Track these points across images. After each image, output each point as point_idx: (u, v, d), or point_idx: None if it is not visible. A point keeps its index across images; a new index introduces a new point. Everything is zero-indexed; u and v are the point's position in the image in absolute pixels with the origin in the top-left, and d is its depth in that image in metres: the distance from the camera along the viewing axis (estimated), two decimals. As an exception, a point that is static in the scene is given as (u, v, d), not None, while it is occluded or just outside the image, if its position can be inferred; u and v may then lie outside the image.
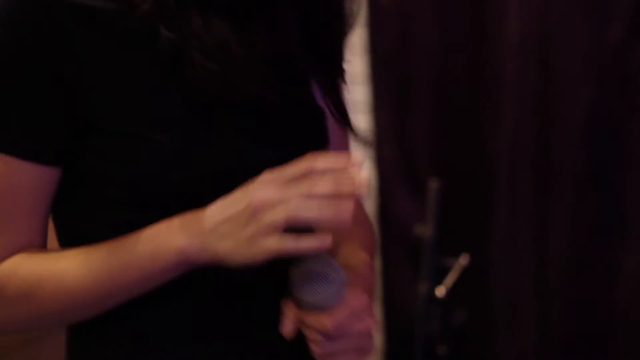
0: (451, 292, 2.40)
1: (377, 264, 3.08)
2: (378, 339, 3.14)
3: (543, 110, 2.76)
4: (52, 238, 1.20)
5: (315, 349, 1.17)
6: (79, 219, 1.18)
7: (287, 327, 1.16)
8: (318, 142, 1.28)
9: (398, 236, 2.95)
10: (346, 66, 1.31)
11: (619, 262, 2.75)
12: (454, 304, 2.51)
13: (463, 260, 2.40)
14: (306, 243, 1.07)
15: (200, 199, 1.12)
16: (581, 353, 2.81)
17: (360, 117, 3.07)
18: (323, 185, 1.06)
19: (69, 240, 1.19)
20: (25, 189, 1.13)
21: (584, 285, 2.78)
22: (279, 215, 1.05)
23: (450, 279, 2.39)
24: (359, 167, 1.10)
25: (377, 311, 3.12)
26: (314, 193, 1.06)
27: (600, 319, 2.79)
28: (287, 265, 1.16)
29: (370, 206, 3.09)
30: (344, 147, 1.39)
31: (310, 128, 1.27)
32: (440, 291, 2.37)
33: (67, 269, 1.13)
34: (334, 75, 1.27)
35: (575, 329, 2.79)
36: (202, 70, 1.11)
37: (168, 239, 1.10)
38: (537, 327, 2.80)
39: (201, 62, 1.10)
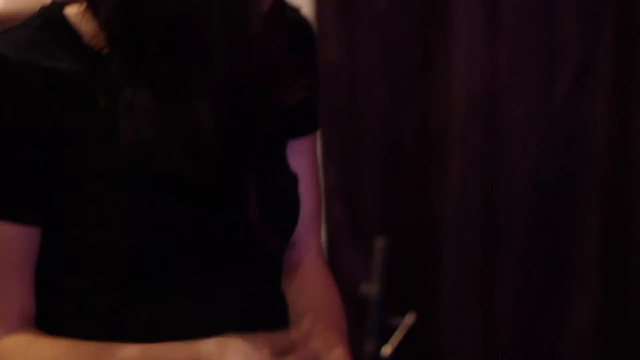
0: (398, 350, 2.40)
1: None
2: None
3: (489, 167, 2.79)
4: None
5: None
6: (44, 280, 1.20)
7: None
8: (282, 209, 1.28)
9: (346, 294, 2.93)
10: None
11: (565, 318, 2.77)
12: (402, 361, 2.51)
13: (409, 318, 2.40)
14: None
15: (156, 258, 1.16)
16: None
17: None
18: None
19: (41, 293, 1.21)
20: (15, 253, 1.17)
21: (532, 341, 2.80)
22: None
23: (396, 337, 2.39)
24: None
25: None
26: None
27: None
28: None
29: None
30: (317, 218, 1.39)
31: (271, 196, 1.26)
32: (387, 350, 2.36)
33: None
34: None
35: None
36: (127, 139, 1.13)
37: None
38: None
39: (127, 130, 1.13)
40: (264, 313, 1.27)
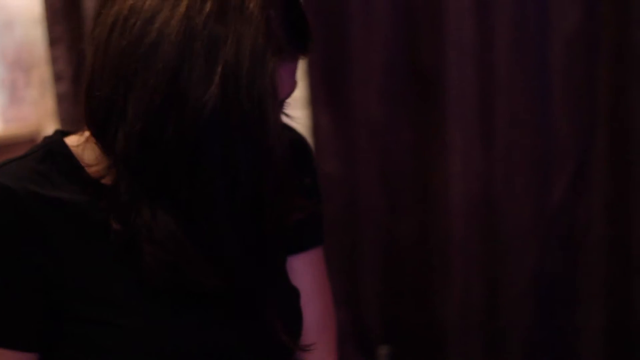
0: None
1: None
2: None
3: (489, 272, 2.80)
4: None
5: None
6: None
7: None
8: (287, 321, 1.29)
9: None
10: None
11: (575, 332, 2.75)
12: None
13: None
14: None
15: None
16: None
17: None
18: None
19: None
20: None
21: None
22: None
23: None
24: None
25: None
26: None
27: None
28: None
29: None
30: (326, 328, 1.41)
31: (279, 308, 1.28)
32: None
33: None
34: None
35: None
36: (152, 259, 1.15)
37: None
38: None
39: (150, 251, 1.15)
40: None
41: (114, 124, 1.14)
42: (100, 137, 1.17)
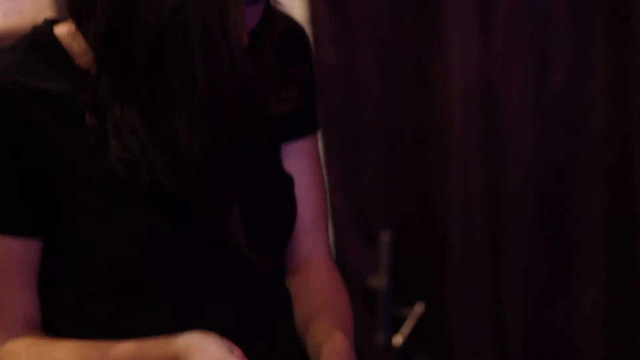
0: (409, 340, 2.43)
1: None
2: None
3: (490, 159, 2.81)
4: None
5: None
6: (48, 287, 1.25)
7: None
8: (279, 214, 1.32)
9: (355, 287, 2.97)
10: None
11: (573, 305, 2.80)
12: (413, 353, 2.53)
13: (418, 308, 2.44)
14: None
15: (138, 272, 1.20)
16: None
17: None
18: None
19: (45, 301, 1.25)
20: (15, 264, 1.21)
21: (540, 328, 2.82)
22: None
23: (406, 327, 2.43)
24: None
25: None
26: None
27: (558, 354, 2.83)
28: None
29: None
30: (320, 216, 1.41)
31: (273, 197, 1.31)
32: (398, 340, 2.40)
33: None
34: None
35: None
36: (115, 157, 1.18)
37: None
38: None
39: (114, 149, 1.18)
40: (263, 318, 1.31)
41: (85, 18, 1.17)
42: (79, 29, 1.20)
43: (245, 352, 1.20)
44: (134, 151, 1.18)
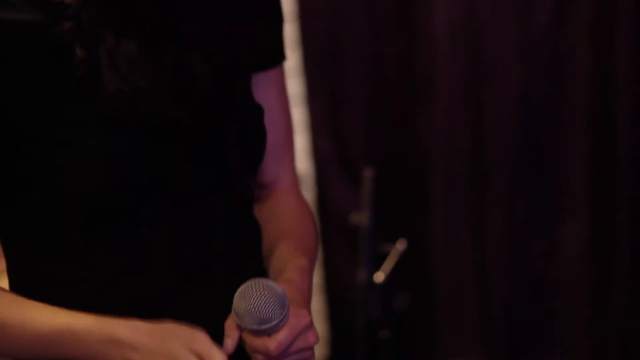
0: (390, 277, 2.43)
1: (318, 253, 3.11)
2: (322, 327, 3.18)
3: (474, 98, 2.80)
4: None
5: None
6: (9, 218, 1.24)
7: (229, 346, 1.18)
8: (252, 138, 1.31)
9: (337, 225, 2.98)
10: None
11: (555, 241, 2.81)
12: (395, 290, 2.54)
13: (400, 245, 2.44)
14: None
15: (116, 202, 1.19)
16: (522, 331, 2.86)
17: (295, 109, 3.09)
18: None
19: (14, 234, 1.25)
20: None
21: (522, 265, 2.83)
22: None
23: (388, 264, 2.43)
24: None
25: (320, 300, 3.15)
26: None
27: (539, 297, 2.84)
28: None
29: (308, 196, 3.13)
30: (287, 145, 1.42)
31: (244, 126, 1.29)
32: (379, 277, 2.40)
33: (24, 326, 1.19)
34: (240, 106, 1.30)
35: (516, 308, 2.84)
36: (111, 87, 1.15)
37: (86, 346, 1.16)
38: (479, 307, 2.85)
39: (110, 79, 1.15)
40: (234, 242, 1.31)
41: None
42: None
43: (213, 280, 1.23)
44: (134, 81, 1.16)
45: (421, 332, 2.92)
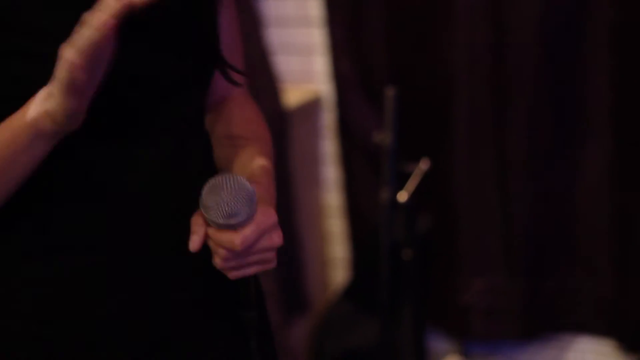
0: (413, 197, 2.42)
1: (340, 175, 3.11)
2: (344, 250, 3.18)
3: (496, 13, 2.76)
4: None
5: (218, 262, 1.21)
6: None
7: (196, 243, 1.19)
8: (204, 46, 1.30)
9: (358, 146, 2.97)
10: None
11: (577, 161, 2.78)
12: (418, 209, 2.53)
13: (423, 164, 2.42)
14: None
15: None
16: (544, 252, 2.86)
17: (315, 31, 3.07)
18: None
19: None
20: None
21: (545, 184, 2.81)
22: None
23: (411, 183, 2.41)
24: None
25: (341, 222, 3.15)
26: None
27: (561, 216, 2.83)
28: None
29: (329, 119, 3.11)
30: (236, 47, 1.41)
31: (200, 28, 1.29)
32: (403, 196, 2.39)
33: None
34: None
35: (538, 227, 2.83)
36: None
37: (20, 116, 1.13)
38: (501, 227, 2.84)
39: None
40: (190, 161, 1.30)
41: None
42: None
43: (173, 197, 1.23)
44: None
45: (443, 253, 2.91)
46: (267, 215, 1.19)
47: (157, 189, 1.24)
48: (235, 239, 1.16)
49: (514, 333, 2.91)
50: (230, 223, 1.17)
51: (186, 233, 1.21)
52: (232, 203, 1.16)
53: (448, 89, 2.83)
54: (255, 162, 1.31)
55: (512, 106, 2.77)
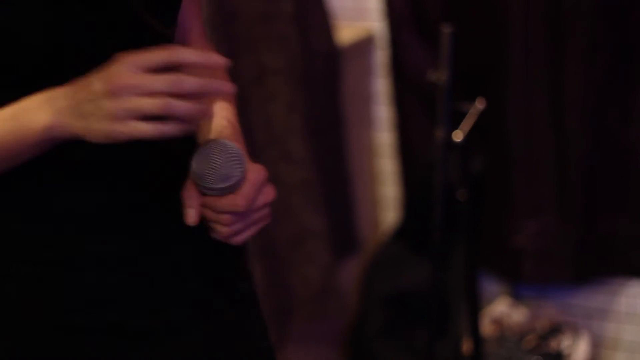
0: (469, 137, 2.39)
1: (392, 115, 3.08)
2: (396, 190, 3.16)
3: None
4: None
5: (222, 230, 1.21)
6: None
7: (192, 215, 1.19)
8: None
9: (411, 85, 2.94)
10: None
11: (634, 102, 2.74)
12: (473, 149, 2.50)
13: (479, 104, 2.39)
14: (168, 129, 1.09)
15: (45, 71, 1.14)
16: (598, 195, 2.82)
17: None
18: (190, 82, 1.08)
19: None
20: None
21: (600, 126, 2.78)
22: (145, 106, 1.07)
23: (467, 123, 2.38)
24: (222, 67, 1.16)
25: (394, 162, 3.13)
26: (181, 88, 1.08)
27: (615, 159, 2.79)
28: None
29: (383, 57, 3.08)
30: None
31: None
32: (458, 136, 2.36)
33: None
34: None
35: (591, 170, 2.79)
36: None
37: (32, 117, 1.11)
38: (555, 169, 2.81)
39: None
40: None
41: None
42: None
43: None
44: None
45: (496, 194, 2.89)
46: (258, 172, 1.20)
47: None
48: (237, 199, 1.17)
49: (565, 276, 2.89)
50: (228, 185, 1.17)
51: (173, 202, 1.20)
52: (226, 166, 1.17)
53: (504, 26, 2.78)
54: (221, 117, 1.28)
55: (569, 45, 2.72)
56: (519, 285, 3.01)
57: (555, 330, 2.91)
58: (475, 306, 2.55)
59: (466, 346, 2.59)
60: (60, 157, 1.17)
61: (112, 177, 1.22)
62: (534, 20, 2.73)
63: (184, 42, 1.40)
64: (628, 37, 2.71)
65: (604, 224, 2.84)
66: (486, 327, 2.94)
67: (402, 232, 3.00)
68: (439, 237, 2.42)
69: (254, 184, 1.19)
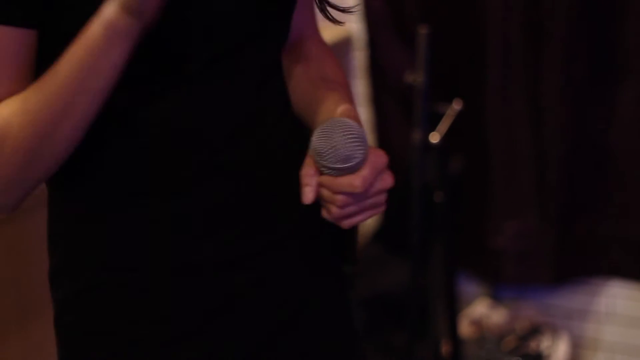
0: (446, 138, 2.39)
1: (370, 116, 3.08)
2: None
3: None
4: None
5: (335, 211, 1.18)
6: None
7: (310, 194, 1.17)
8: None
9: (390, 86, 2.94)
10: None
11: (612, 102, 2.74)
12: (450, 151, 2.50)
13: (456, 105, 2.39)
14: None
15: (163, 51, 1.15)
16: (577, 195, 2.83)
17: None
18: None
19: None
20: (12, 55, 1.13)
21: (579, 127, 2.78)
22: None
23: (444, 124, 2.38)
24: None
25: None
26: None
27: (594, 159, 2.80)
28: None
29: (360, 58, 3.07)
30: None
31: None
32: (435, 137, 2.36)
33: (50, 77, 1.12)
34: None
35: (571, 170, 2.79)
36: None
37: (94, 19, 1.09)
38: (534, 170, 2.81)
39: None
40: (268, 102, 1.28)
41: None
42: None
43: (249, 142, 1.22)
44: None
45: (475, 195, 2.89)
46: (379, 156, 1.17)
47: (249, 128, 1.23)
48: (355, 180, 1.14)
49: (545, 277, 2.89)
50: (349, 166, 1.14)
51: (280, 182, 1.21)
52: (348, 145, 1.14)
53: (482, 27, 2.78)
54: (344, 105, 1.27)
55: (548, 46, 2.72)
56: (499, 286, 3.02)
57: (534, 331, 2.91)
58: (453, 307, 2.55)
59: (445, 347, 2.60)
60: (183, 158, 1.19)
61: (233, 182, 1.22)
62: (512, 21, 2.73)
63: (299, 39, 1.40)
64: (606, 39, 2.71)
65: (583, 224, 2.84)
66: (466, 328, 2.94)
67: (381, 233, 3.00)
68: (417, 238, 2.42)
69: (373, 167, 1.15)
